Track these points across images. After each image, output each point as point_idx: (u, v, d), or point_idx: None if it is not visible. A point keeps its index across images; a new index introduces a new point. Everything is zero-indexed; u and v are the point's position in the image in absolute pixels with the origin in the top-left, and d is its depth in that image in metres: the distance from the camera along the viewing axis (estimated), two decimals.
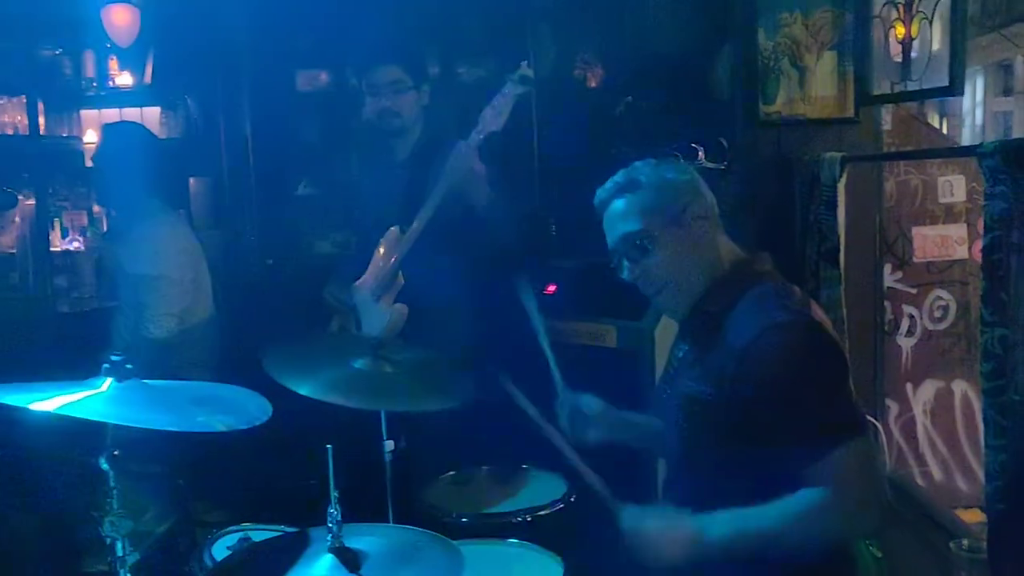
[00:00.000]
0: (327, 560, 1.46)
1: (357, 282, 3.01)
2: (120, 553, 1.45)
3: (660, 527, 1.73)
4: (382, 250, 2.96)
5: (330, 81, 4.69)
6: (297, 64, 4.68)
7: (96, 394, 1.43)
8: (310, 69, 4.70)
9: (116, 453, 1.44)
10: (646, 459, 2.75)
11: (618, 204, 1.89)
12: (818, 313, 1.81)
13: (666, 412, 1.95)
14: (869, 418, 2.99)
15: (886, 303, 3.55)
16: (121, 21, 4.12)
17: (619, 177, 1.92)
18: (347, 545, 1.46)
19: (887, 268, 3.57)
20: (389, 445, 2.23)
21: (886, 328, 3.57)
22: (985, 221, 1.77)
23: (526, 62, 2.73)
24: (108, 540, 1.44)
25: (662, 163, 1.93)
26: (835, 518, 1.64)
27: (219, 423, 1.43)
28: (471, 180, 2.74)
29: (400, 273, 2.89)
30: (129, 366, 1.47)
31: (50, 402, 1.38)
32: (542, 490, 2.36)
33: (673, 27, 3.59)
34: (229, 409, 1.51)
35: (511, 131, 4.29)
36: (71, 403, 1.38)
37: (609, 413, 2.14)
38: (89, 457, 1.51)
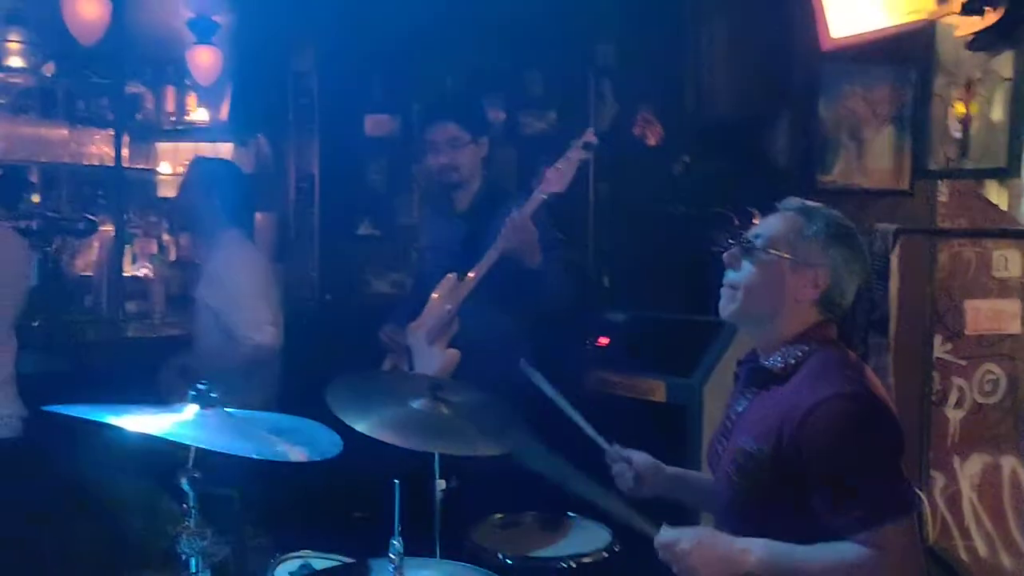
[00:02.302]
0: None
1: (412, 324, 3.11)
2: (194, 569, 1.54)
3: (700, 540, 1.79)
4: (439, 296, 3.06)
5: (397, 127, 4.85)
6: (366, 109, 4.85)
7: (183, 419, 1.54)
8: (378, 114, 4.87)
9: (196, 475, 1.54)
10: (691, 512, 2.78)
11: (787, 212, 1.92)
12: (877, 385, 1.84)
13: (719, 464, 1.99)
14: (916, 490, 3.01)
15: (935, 374, 3.56)
16: (205, 62, 4.33)
17: (814, 203, 1.93)
18: None
19: (938, 339, 3.58)
20: (441, 484, 2.30)
21: (934, 399, 3.57)
22: None
23: (591, 128, 2.83)
24: (184, 556, 1.54)
25: (850, 232, 1.91)
26: None
27: (295, 454, 1.52)
28: (522, 246, 2.84)
29: (455, 319, 2.99)
30: (214, 395, 1.57)
31: (142, 423, 1.48)
32: (586, 538, 2.39)
33: (734, 91, 3.68)
34: (304, 441, 1.60)
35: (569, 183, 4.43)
36: (162, 426, 1.48)
37: (659, 469, 2.18)
38: (162, 478, 1.61)
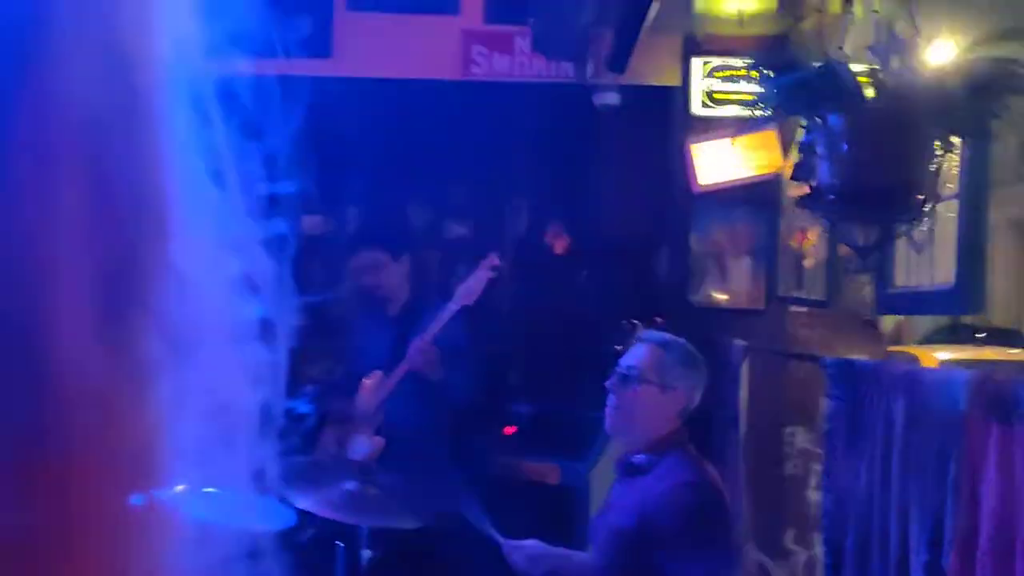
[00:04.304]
0: None
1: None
2: None
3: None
4: (366, 389, 3.52)
5: (330, 228, 5.33)
6: (302, 209, 5.31)
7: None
8: (313, 215, 5.34)
9: None
10: None
11: (649, 345, 2.46)
12: (714, 476, 2.44)
13: (598, 539, 2.53)
14: (762, 558, 3.55)
15: (796, 460, 4.12)
16: None
17: (668, 335, 2.51)
18: None
19: (800, 430, 4.16)
20: (367, 554, 2.76)
21: (791, 483, 4.12)
22: (826, 414, 2.40)
23: (496, 253, 3.40)
24: None
25: (697, 357, 2.45)
26: None
27: (262, 527, 1.96)
28: (426, 365, 3.36)
29: (380, 411, 3.46)
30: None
31: None
32: None
33: (626, 219, 4.32)
34: (267, 515, 2.05)
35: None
36: None
37: (548, 552, 2.65)
38: None
